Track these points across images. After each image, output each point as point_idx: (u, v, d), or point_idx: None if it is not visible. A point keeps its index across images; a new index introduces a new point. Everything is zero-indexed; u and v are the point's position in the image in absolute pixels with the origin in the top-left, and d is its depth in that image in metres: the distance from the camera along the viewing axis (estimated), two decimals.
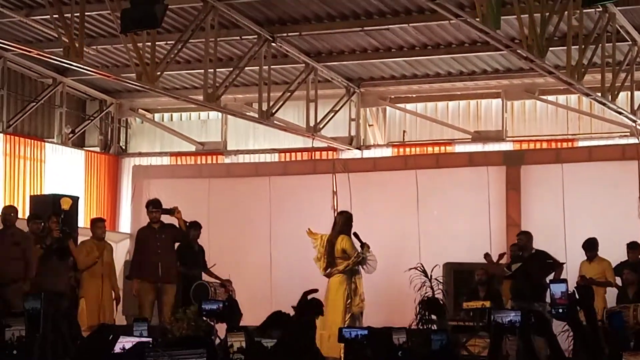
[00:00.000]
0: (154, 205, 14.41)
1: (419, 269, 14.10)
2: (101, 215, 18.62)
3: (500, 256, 15.49)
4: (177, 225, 14.33)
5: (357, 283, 13.11)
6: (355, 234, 13.90)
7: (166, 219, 14.47)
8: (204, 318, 10.63)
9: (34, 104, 20.34)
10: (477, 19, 12.75)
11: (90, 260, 14.31)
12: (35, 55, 15.84)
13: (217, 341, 11.43)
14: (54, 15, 14.60)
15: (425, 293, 13.81)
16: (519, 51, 14.12)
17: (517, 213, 17.06)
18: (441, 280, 14.43)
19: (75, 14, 14.45)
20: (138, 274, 14.37)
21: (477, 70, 19.15)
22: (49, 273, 13.74)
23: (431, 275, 14.07)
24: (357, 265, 13.07)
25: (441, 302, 12.46)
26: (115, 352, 6.08)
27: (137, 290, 14.22)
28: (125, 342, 6.04)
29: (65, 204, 15.36)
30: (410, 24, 16.88)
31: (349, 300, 12.74)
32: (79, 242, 15.04)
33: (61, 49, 14.33)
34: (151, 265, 14.12)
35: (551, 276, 14.17)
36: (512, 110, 19.72)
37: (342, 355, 11.55)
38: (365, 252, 13.58)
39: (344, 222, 13.87)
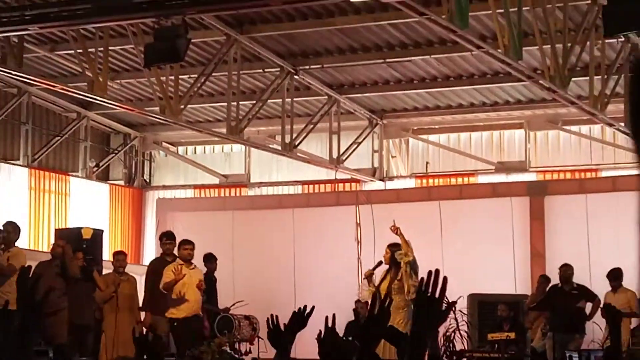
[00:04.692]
0: (167, 237, 14.28)
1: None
2: (125, 249, 18.63)
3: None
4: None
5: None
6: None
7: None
8: (229, 350, 10.63)
9: (59, 138, 20.48)
10: (499, 50, 12.78)
11: (106, 295, 14.21)
12: (60, 90, 15.99)
13: None
14: (78, 50, 14.73)
15: (450, 324, 13.77)
16: (541, 82, 14.14)
17: (541, 243, 17.01)
18: (465, 312, 14.37)
19: (99, 49, 14.60)
20: (151, 307, 14.10)
21: (500, 101, 19.15)
22: (74, 305, 13.71)
23: (455, 307, 14.01)
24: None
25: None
26: None
27: (150, 324, 13.76)
28: None
29: (87, 234, 15.46)
30: (432, 56, 16.92)
31: None
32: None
33: (85, 84, 14.46)
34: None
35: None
36: (535, 140, 19.69)
37: None
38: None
39: None
